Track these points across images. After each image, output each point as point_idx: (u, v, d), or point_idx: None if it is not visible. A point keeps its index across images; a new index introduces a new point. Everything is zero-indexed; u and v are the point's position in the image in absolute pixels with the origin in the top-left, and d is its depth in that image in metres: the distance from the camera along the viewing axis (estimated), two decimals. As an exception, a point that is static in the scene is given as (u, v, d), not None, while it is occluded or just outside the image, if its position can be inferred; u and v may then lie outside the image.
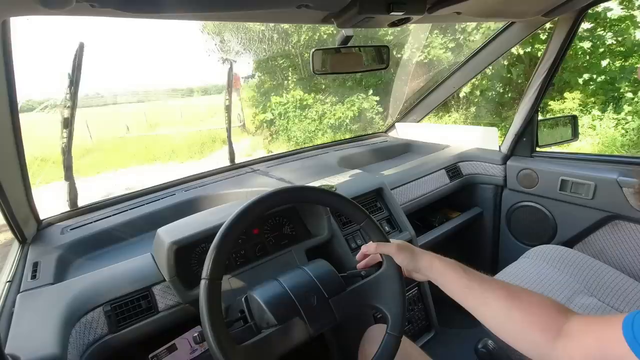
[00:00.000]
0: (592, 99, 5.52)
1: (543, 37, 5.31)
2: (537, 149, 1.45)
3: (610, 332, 0.40)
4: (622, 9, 4.93)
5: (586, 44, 5.22)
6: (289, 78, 8.41)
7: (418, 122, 2.04)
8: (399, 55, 6.05)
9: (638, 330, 0.37)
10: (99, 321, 0.77)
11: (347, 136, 2.20)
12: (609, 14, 4.98)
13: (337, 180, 1.30)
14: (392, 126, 2.15)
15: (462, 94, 6.46)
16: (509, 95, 6.43)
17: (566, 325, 0.47)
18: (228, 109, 1.53)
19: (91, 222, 1.10)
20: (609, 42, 5.17)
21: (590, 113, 5.34)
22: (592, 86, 5.45)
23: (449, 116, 6.99)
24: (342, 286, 0.70)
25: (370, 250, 0.71)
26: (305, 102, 7.92)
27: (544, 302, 0.52)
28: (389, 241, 0.73)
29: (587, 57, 5.40)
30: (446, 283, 0.62)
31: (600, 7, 4.89)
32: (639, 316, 0.38)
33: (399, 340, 0.66)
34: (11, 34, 0.69)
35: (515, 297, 0.53)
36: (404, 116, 2.10)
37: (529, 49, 5.67)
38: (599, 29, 5.20)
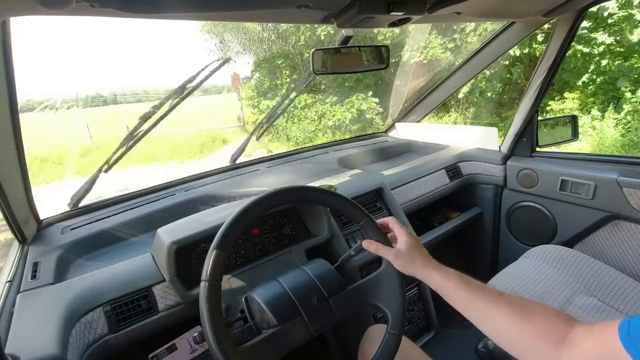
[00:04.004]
0: (592, 99, 5.53)
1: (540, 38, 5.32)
2: (537, 149, 1.45)
3: (608, 336, 0.41)
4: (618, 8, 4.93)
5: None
6: (287, 78, 8.41)
7: (418, 122, 2.04)
8: (397, 57, 6.06)
9: (634, 333, 0.38)
10: (99, 321, 0.77)
11: (347, 136, 2.20)
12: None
13: (337, 180, 1.30)
14: (392, 126, 2.15)
15: (461, 95, 6.46)
16: (508, 95, 6.43)
17: (570, 333, 0.47)
18: (289, 96, 1.52)
19: (91, 222, 1.10)
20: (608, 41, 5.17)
21: (590, 113, 5.35)
22: (592, 86, 5.46)
23: (449, 116, 6.99)
24: (342, 285, 0.70)
25: (371, 249, 0.71)
26: (304, 103, 7.92)
27: (548, 312, 0.52)
28: (388, 241, 0.73)
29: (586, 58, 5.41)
30: (446, 296, 0.61)
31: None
32: (635, 319, 0.39)
33: (399, 339, 0.66)
34: (11, 34, 0.69)
35: (518, 308, 0.53)
36: (404, 116, 2.10)
37: (526, 50, 5.68)
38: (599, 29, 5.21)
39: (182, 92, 1.07)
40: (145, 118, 1.07)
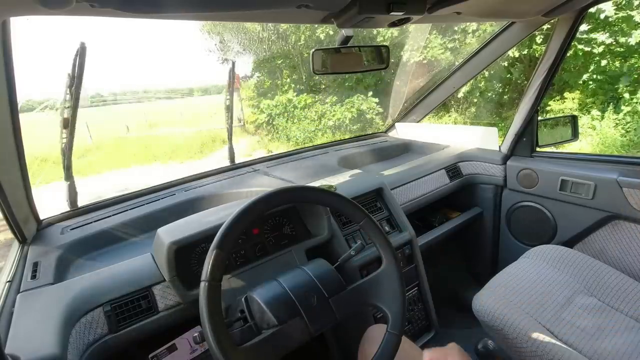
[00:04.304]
0: (592, 99, 5.53)
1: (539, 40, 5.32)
2: (537, 149, 1.45)
3: None
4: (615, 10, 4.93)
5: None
6: (288, 78, 8.41)
7: (418, 122, 2.05)
8: (397, 57, 6.05)
9: None
10: (99, 321, 0.77)
11: (347, 136, 2.21)
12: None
13: (337, 180, 1.30)
14: (392, 126, 2.15)
15: (460, 94, 6.46)
16: (508, 95, 6.43)
17: None
18: (229, 108, 1.53)
19: (91, 222, 1.10)
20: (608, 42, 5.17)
21: (589, 113, 5.35)
22: (592, 85, 5.46)
23: (449, 116, 7.00)
24: (342, 285, 0.70)
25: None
26: (304, 103, 7.92)
27: None
28: (388, 240, 0.73)
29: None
30: None
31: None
32: None
33: (399, 339, 0.66)
34: (11, 34, 0.69)
35: None
36: (404, 116, 2.10)
37: (526, 51, 5.69)
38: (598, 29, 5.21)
39: (74, 92, 1.05)
40: (66, 125, 1.07)
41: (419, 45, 6.18)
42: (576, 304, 1.00)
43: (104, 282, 0.82)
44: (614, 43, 5.19)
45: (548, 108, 5.75)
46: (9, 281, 0.84)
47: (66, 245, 0.99)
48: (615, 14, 4.94)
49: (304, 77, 8.34)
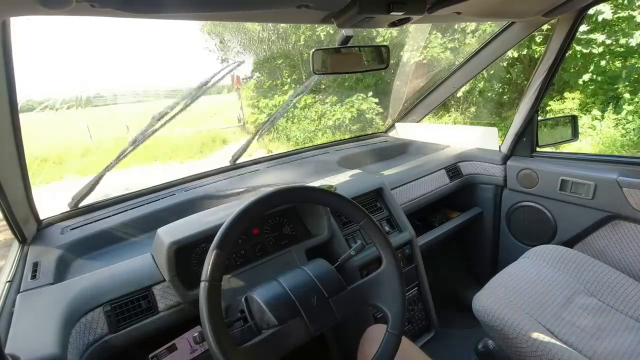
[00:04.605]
0: (592, 99, 5.53)
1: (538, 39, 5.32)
2: (537, 149, 1.45)
3: None
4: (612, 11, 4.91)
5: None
6: (288, 78, 8.41)
7: (418, 122, 2.05)
8: (397, 57, 6.05)
9: None
10: (99, 321, 0.77)
11: (347, 136, 2.21)
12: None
13: (337, 180, 1.30)
14: (392, 126, 2.15)
15: (460, 94, 6.46)
16: (508, 95, 6.43)
17: None
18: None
19: (91, 222, 1.10)
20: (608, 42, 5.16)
21: (589, 113, 5.35)
22: (592, 86, 5.46)
23: (449, 116, 7.00)
24: (342, 285, 0.70)
25: None
26: (304, 103, 7.91)
27: None
28: (388, 240, 0.73)
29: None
30: None
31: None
32: None
33: (399, 339, 0.66)
34: (11, 34, 0.69)
35: None
36: (403, 116, 2.10)
37: (524, 52, 5.68)
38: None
39: (196, 94, 1.08)
40: (158, 117, 1.09)
41: (419, 45, 6.18)
42: (576, 304, 1.00)
43: (104, 282, 0.82)
44: (614, 43, 5.19)
45: (548, 108, 5.75)
46: (9, 281, 0.84)
47: (66, 245, 0.99)
48: (615, 13, 4.93)
49: (304, 77, 8.33)
